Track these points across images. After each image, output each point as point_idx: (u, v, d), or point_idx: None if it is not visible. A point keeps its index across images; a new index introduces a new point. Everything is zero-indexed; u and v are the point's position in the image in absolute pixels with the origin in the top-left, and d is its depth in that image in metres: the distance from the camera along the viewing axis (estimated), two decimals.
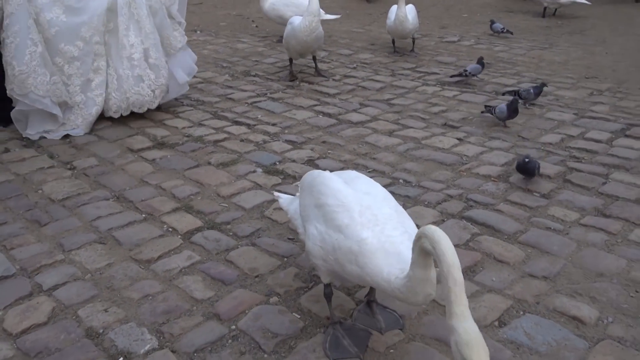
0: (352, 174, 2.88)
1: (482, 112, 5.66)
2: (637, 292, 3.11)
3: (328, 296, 2.78)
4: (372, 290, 2.90)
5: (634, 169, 4.57)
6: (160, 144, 5.10)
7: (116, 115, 5.47)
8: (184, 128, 5.46)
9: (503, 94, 6.16)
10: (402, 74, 7.24)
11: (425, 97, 6.40)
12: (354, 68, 7.57)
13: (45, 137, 5.14)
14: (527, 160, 4.14)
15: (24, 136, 5.12)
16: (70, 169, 4.64)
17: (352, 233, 2.43)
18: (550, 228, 3.73)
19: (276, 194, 3.27)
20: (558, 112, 5.83)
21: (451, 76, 6.84)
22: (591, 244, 3.55)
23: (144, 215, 3.92)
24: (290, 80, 6.94)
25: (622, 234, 3.66)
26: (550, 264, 3.35)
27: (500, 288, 3.16)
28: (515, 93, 5.88)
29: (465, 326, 1.84)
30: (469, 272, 3.29)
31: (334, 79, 7.06)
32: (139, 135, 5.32)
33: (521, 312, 2.97)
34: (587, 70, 7.33)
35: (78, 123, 5.29)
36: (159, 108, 5.75)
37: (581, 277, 3.24)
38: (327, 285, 2.76)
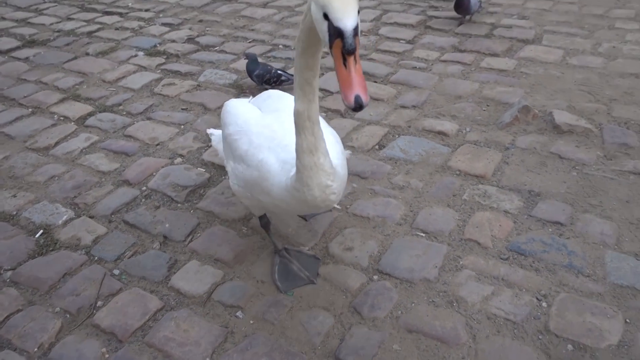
0: (264, 94, 2.60)
1: None
2: (488, 106, 3.67)
3: (265, 227, 2.59)
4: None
5: (483, 11, 5.09)
6: (30, 42, 4.91)
7: None
8: (52, 24, 5.25)
9: None
10: None
11: None
12: None
13: None
14: (245, 58, 3.84)
15: None
16: None
17: (252, 158, 2.19)
18: (416, 67, 4.18)
19: (209, 131, 2.97)
20: None
21: None
22: (450, 75, 4.06)
23: (30, 110, 3.91)
24: None
25: (475, 63, 4.20)
26: (417, 96, 3.82)
27: (377, 120, 3.59)
28: None
29: None
30: (348, 112, 3.69)
31: None
32: (4, 37, 5.06)
33: (396, 136, 3.44)
34: None
35: None
36: None
37: (444, 102, 3.75)
38: (262, 217, 2.55)
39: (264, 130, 2.25)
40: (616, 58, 4.16)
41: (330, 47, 1.53)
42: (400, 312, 2.32)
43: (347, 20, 1.48)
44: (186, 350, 2.22)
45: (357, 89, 1.49)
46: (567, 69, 4.06)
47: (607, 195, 2.86)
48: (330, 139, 2.17)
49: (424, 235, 2.69)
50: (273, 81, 3.76)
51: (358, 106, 1.50)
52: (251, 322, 2.33)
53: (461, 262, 2.53)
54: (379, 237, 2.69)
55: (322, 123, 2.23)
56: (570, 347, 2.14)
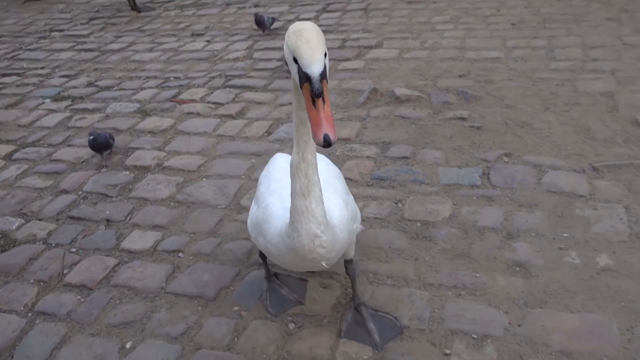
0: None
1: None
2: (347, 95, 4.69)
3: (262, 256, 2.71)
4: (355, 291, 2.56)
5: (335, 30, 6.23)
6: None
7: None
8: None
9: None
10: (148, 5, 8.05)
11: (170, 19, 7.36)
12: (97, 11, 8.13)
13: None
14: (92, 137, 3.97)
15: None
16: None
17: (263, 200, 2.28)
18: (288, 77, 5.14)
19: None
20: (277, 6, 7.32)
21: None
22: None
23: None
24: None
25: (334, 67, 5.25)
26: (291, 96, 4.76)
27: (263, 116, 4.48)
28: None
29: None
30: (238, 115, 4.55)
31: (81, 23, 7.59)
32: None
33: (280, 125, 4.33)
34: None
35: None
36: None
37: None
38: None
39: (283, 178, 2.25)
40: (438, 50, 5.39)
41: (301, 87, 1.67)
42: None
43: (314, 66, 1.62)
44: (145, 282, 2.91)
45: (325, 128, 1.60)
46: (402, 62, 5.21)
47: (437, 136, 3.92)
48: (338, 202, 2.20)
49: None
50: (111, 142, 4.03)
51: (327, 144, 1.60)
52: (191, 257, 3.06)
53: None
54: None
55: (339, 186, 2.34)
56: (419, 224, 3.09)
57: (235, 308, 2.70)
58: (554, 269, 2.71)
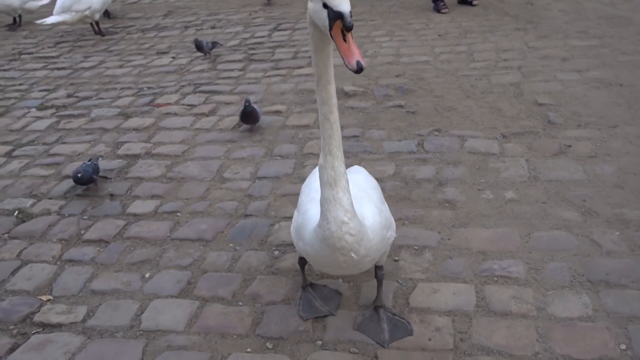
0: (352, 169, 2.92)
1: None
2: (302, 94, 5.50)
3: (301, 264, 2.83)
4: (379, 293, 2.72)
5: (287, 45, 7.09)
6: None
7: None
8: None
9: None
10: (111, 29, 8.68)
11: (134, 41, 8.05)
12: (61, 36, 8.70)
13: None
14: (78, 174, 4.00)
15: None
16: None
17: (303, 207, 2.47)
18: (250, 82, 5.93)
19: None
20: (232, 27, 8.14)
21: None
22: (274, 83, 5.87)
23: None
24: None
25: (289, 73, 6.08)
26: (255, 97, 5.55)
27: (232, 113, 5.23)
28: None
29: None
30: (211, 113, 5.28)
31: (48, 47, 8.15)
32: None
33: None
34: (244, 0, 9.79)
35: None
36: None
37: (274, 97, 5.51)
38: (301, 258, 2.78)
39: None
40: (377, 57, 6.32)
41: (331, 29, 1.83)
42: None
43: (344, 5, 1.82)
44: (153, 233, 3.58)
45: (357, 56, 1.79)
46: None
47: (380, 119, 4.78)
48: (372, 209, 2.39)
49: (279, 158, 4.34)
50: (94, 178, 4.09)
51: (359, 69, 1.80)
52: (188, 215, 3.75)
53: (305, 164, 4.20)
54: (254, 166, 4.28)
55: (374, 196, 2.55)
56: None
57: (231, 245, 3.42)
58: (474, 203, 3.57)
